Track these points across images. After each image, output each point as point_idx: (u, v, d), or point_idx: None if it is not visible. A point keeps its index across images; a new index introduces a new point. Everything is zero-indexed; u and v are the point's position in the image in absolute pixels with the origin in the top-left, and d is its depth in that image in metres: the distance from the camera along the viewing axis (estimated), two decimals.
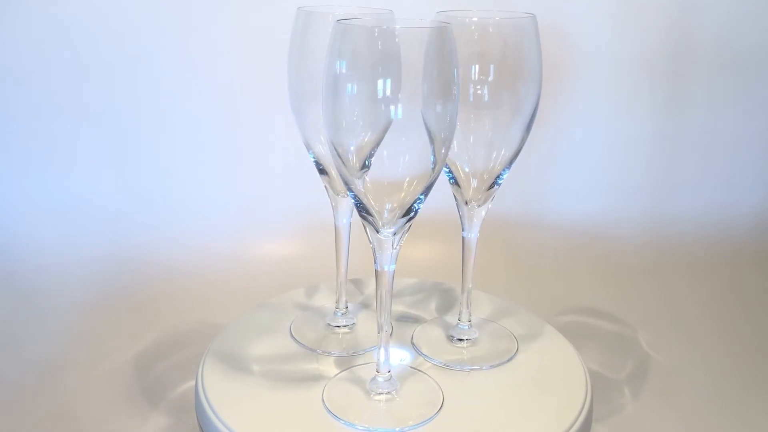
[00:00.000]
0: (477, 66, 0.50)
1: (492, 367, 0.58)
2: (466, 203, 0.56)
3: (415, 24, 0.45)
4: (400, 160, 0.45)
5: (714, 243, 1.03)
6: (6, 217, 0.94)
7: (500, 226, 1.02)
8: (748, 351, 0.80)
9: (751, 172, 1.08)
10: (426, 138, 0.44)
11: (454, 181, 0.56)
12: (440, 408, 0.52)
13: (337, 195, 0.58)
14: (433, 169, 0.45)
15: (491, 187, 0.55)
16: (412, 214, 0.47)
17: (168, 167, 0.99)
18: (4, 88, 0.93)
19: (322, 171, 0.57)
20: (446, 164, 0.54)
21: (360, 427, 0.50)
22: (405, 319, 0.66)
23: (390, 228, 0.48)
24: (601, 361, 0.75)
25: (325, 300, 0.69)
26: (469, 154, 0.53)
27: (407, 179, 0.45)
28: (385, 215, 0.47)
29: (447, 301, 0.70)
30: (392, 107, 0.43)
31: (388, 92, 0.42)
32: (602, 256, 1.01)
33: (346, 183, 0.46)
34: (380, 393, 0.53)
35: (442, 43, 0.43)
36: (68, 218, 0.96)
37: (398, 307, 0.68)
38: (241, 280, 0.92)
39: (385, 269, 0.50)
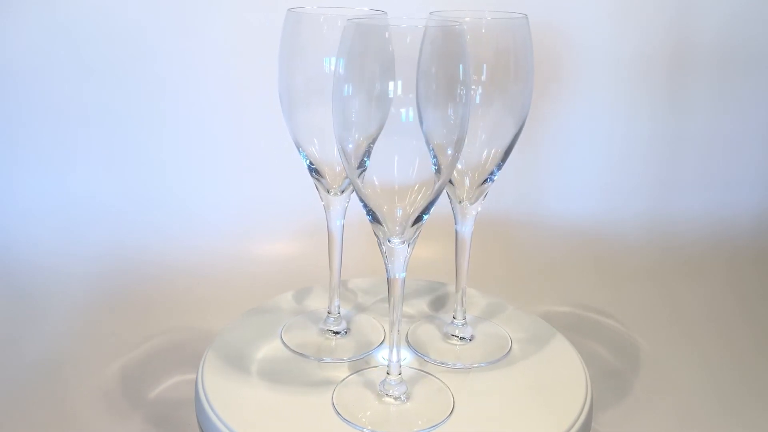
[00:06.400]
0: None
1: (489, 363, 0.58)
2: (459, 201, 0.57)
3: (415, 23, 0.45)
4: (396, 162, 0.44)
5: (714, 243, 1.03)
6: (6, 217, 0.94)
7: (500, 226, 1.02)
8: (747, 351, 0.80)
9: (751, 172, 1.08)
10: (419, 141, 0.43)
11: None
12: (451, 412, 0.52)
13: (329, 194, 0.58)
14: (437, 172, 0.44)
15: (483, 182, 0.56)
16: (420, 222, 0.47)
17: (168, 167, 0.99)
18: (4, 89, 0.93)
19: (313, 171, 0.57)
20: (436, 158, 0.53)
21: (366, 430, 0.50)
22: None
23: (399, 237, 0.47)
24: (600, 361, 0.75)
25: (319, 303, 0.69)
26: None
27: (411, 183, 0.44)
28: (396, 227, 0.46)
29: (441, 299, 0.70)
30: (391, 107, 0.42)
31: (387, 91, 0.42)
32: (602, 256, 1.00)
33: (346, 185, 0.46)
34: (389, 395, 0.52)
35: (444, 42, 0.42)
36: (68, 218, 0.96)
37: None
38: (241, 281, 0.92)
39: (397, 276, 0.49)
